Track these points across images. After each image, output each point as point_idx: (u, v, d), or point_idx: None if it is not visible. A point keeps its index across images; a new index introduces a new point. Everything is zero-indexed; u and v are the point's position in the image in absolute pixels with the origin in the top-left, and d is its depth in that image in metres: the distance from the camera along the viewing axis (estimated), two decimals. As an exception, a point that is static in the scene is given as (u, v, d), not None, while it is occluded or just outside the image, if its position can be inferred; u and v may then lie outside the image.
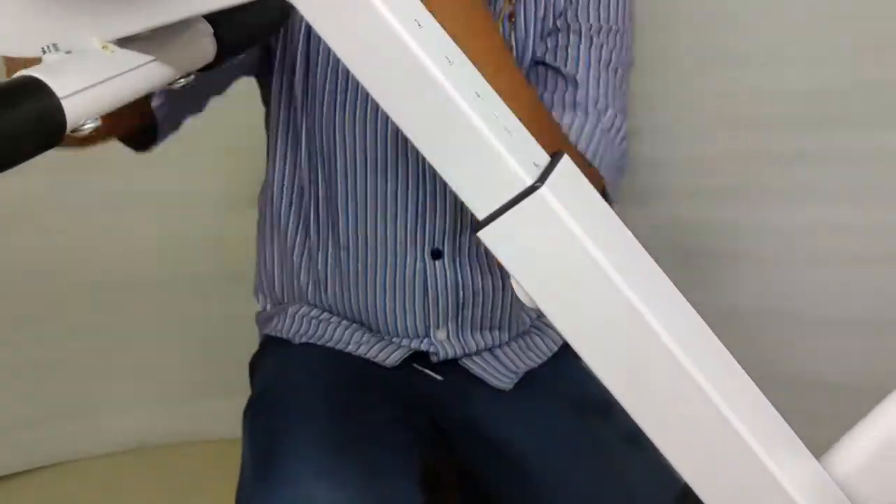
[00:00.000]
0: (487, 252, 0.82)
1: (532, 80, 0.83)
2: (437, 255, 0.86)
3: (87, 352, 1.49)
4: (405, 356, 0.89)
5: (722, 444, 0.36)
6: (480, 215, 0.36)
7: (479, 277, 0.88)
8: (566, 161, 0.36)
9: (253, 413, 0.86)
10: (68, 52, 0.41)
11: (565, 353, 0.94)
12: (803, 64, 1.06)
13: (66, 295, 1.43)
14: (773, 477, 0.36)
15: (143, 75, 0.43)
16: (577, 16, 0.81)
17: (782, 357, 1.18)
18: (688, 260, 1.17)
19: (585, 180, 0.37)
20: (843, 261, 1.13)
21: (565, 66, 0.81)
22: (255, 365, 0.97)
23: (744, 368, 0.38)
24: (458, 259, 0.86)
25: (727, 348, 0.39)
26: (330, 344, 0.90)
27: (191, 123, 0.80)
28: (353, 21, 0.33)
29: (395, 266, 0.86)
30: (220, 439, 1.51)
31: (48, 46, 0.41)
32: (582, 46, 0.81)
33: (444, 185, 0.74)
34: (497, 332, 0.91)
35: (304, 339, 0.91)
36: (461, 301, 0.88)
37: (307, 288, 0.91)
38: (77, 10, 0.40)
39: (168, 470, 1.55)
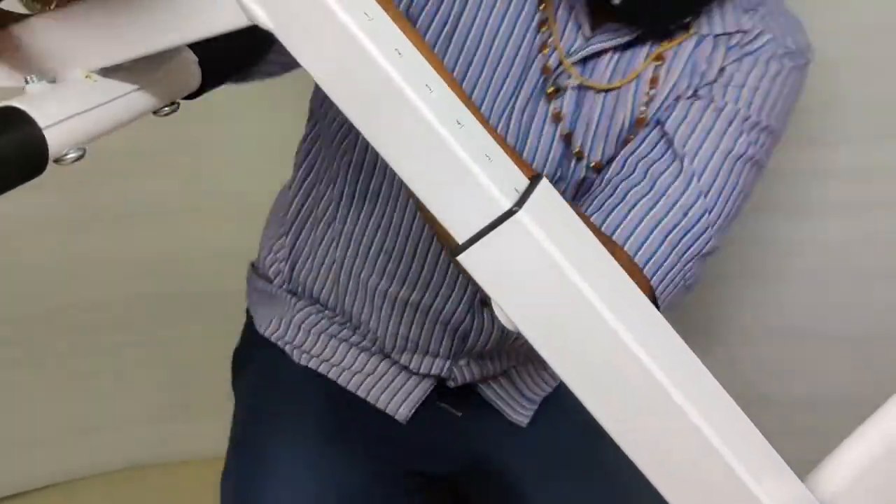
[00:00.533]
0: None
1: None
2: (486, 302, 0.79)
3: (76, 372, 1.47)
4: (417, 404, 0.82)
5: (706, 467, 0.36)
6: (460, 239, 0.36)
7: None
8: (545, 184, 0.36)
9: (236, 453, 0.82)
10: (52, 82, 0.41)
11: None
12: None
13: (55, 313, 1.41)
14: (756, 499, 0.36)
15: (126, 104, 0.42)
16: (724, 91, 0.68)
17: (764, 375, 1.17)
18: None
19: (565, 203, 0.37)
20: (821, 276, 1.12)
21: (683, 142, 0.67)
22: (242, 367, 0.91)
23: (726, 388, 0.38)
24: None
25: (709, 368, 0.38)
26: (333, 375, 0.83)
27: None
28: (333, 48, 0.33)
29: (439, 308, 0.78)
30: (212, 458, 1.53)
31: (31, 77, 0.40)
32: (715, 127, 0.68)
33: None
34: (514, 353, 0.85)
35: (306, 362, 0.83)
36: (499, 342, 0.81)
37: (325, 285, 0.83)
38: (61, 40, 0.40)
39: (160, 490, 1.53)
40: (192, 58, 0.45)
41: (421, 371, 0.80)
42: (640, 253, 0.64)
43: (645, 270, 0.65)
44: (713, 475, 0.36)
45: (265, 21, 0.34)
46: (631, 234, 0.64)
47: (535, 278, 0.35)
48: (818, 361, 1.15)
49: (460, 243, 0.36)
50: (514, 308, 0.36)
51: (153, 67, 0.43)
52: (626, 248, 0.64)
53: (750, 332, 1.18)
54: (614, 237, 0.64)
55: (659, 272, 0.65)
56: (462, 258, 0.36)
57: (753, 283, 1.15)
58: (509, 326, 0.37)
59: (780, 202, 1.10)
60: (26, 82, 0.40)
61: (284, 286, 0.86)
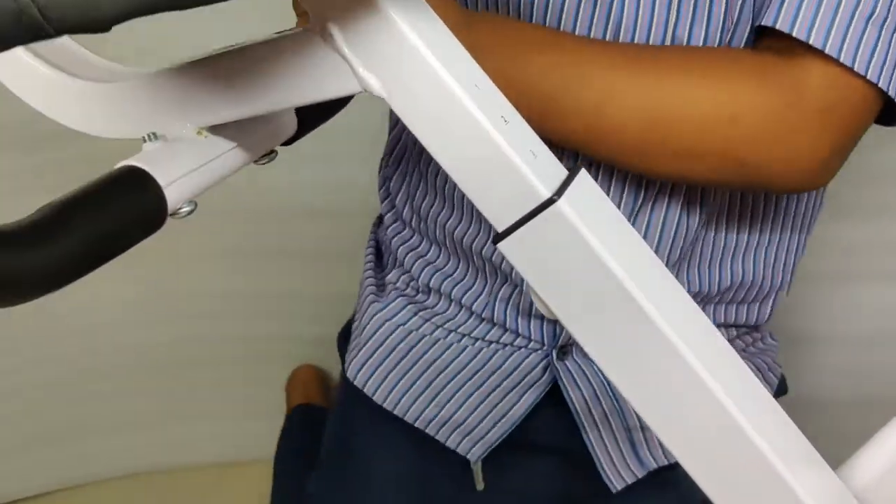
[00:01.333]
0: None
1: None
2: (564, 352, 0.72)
3: (86, 375, 1.51)
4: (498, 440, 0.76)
5: (741, 456, 0.37)
6: (499, 227, 0.37)
7: None
8: (583, 175, 0.38)
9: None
10: (163, 136, 0.42)
11: None
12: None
13: (66, 318, 1.43)
14: (791, 489, 0.37)
15: (233, 157, 0.44)
16: None
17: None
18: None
19: (603, 194, 0.39)
20: (854, 278, 1.11)
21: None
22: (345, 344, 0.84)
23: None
24: None
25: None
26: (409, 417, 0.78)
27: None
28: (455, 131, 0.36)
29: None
30: (221, 464, 1.55)
31: (150, 135, 0.42)
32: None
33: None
34: None
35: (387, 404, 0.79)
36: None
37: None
38: (178, 97, 0.42)
39: (168, 495, 1.55)
40: (290, 108, 0.47)
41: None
42: (846, 53, 0.53)
43: (868, 74, 0.54)
44: (748, 464, 0.37)
45: (378, 90, 0.36)
46: (829, 31, 0.53)
47: (573, 266, 0.37)
48: (825, 362, 1.14)
49: (499, 231, 0.37)
50: (552, 296, 0.38)
51: (259, 121, 0.45)
52: (826, 50, 0.53)
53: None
54: (807, 39, 0.53)
55: (885, 69, 0.53)
56: (502, 245, 0.37)
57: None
58: (547, 314, 0.38)
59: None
60: (144, 140, 0.42)
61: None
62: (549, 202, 0.36)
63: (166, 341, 1.51)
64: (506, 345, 0.75)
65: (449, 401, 0.77)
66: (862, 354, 1.15)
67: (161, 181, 0.38)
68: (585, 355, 0.71)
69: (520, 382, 0.75)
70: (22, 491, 1.54)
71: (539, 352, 0.75)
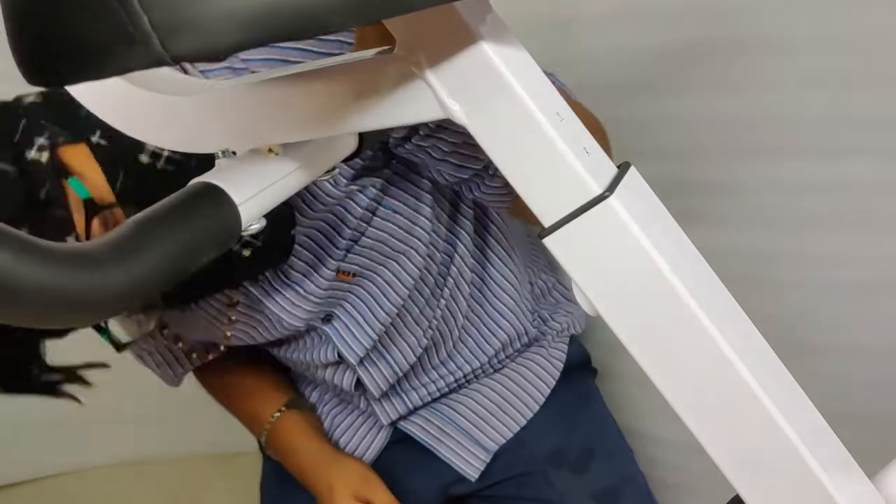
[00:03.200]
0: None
1: None
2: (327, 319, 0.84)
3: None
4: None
5: (778, 457, 0.37)
6: (547, 222, 0.37)
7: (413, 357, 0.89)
8: (633, 172, 0.38)
9: None
10: (234, 153, 0.42)
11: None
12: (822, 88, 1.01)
13: None
14: (827, 493, 0.37)
15: (301, 174, 0.44)
16: None
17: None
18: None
19: (650, 190, 0.39)
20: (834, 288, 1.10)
21: None
22: None
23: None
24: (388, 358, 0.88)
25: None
26: None
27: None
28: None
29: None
30: (219, 454, 1.57)
31: (224, 151, 0.41)
32: None
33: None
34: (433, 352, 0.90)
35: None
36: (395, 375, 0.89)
37: None
38: (255, 115, 0.41)
39: (167, 483, 1.57)
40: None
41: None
42: None
43: None
44: (786, 466, 0.37)
45: (460, 117, 0.36)
46: None
47: (620, 263, 0.36)
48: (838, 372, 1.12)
49: (546, 225, 0.37)
50: (595, 292, 0.38)
51: (326, 139, 0.45)
52: None
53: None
54: None
55: None
56: (548, 240, 0.37)
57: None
58: (590, 311, 0.38)
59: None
60: (218, 156, 0.41)
61: None
62: (601, 198, 0.36)
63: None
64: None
65: None
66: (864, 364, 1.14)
67: (236, 199, 0.38)
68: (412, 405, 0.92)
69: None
70: (16, 476, 1.59)
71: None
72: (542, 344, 0.98)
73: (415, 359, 0.88)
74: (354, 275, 0.80)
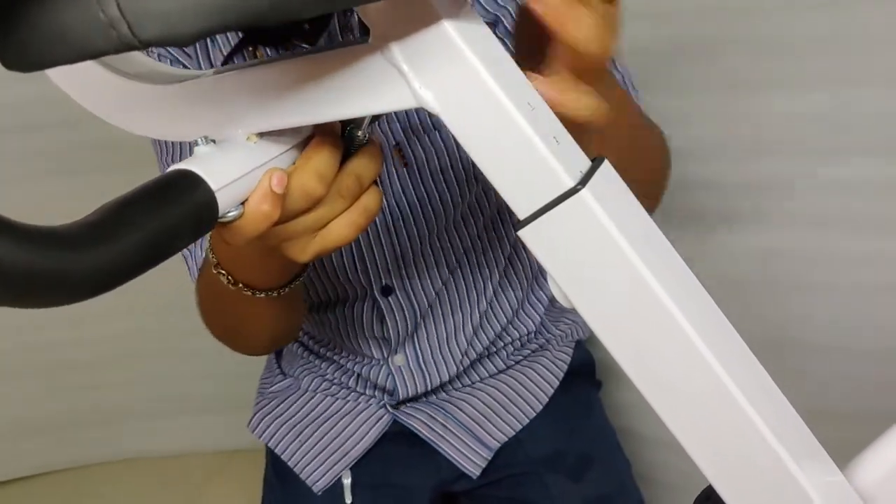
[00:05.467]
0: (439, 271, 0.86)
1: None
2: (387, 291, 0.86)
3: (98, 360, 1.54)
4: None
5: (749, 447, 0.37)
6: (521, 215, 0.38)
7: (435, 301, 0.89)
8: (606, 166, 0.38)
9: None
10: (214, 141, 0.42)
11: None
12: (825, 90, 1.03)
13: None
14: (797, 483, 0.37)
15: (279, 163, 0.43)
16: None
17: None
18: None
19: (625, 185, 0.39)
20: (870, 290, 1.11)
21: None
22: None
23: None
24: (409, 289, 0.87)
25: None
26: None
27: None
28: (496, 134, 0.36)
29: (347, 306, 0.89)
30: (221, 451, 1.58)
31: (201, 139, 0.41)
32: None
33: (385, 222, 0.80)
34: (463, 340, 0.91)
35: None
36: (417, 321, 0.89)
37: None
38: (233, 102, 0.42)
39: (168, 480, 1.58)
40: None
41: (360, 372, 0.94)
42: None
43: None
44: (755, 455, 0.37)
45: (433, 105, 0.37)
46: None
47: (593, 256, 0.37)
48: (836, 374, 1.14)
49: (521, 218, 0.38)
50: (571, 284, 0.38)
51: (305, 127, 0.45)
52: None
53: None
54: None
55: None
56: (522, 233, 0.38)
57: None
58: (564, 303, 0.39)
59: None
60: (196, 143, 0.41)
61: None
62: (573, 191, 0.36)
63: (161, 328, 1.53)
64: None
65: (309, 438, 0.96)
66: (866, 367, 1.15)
67: (213, 185, 0.38)
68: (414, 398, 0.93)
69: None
70: (12, 472, 1.59)
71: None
72: (546, 348, 0.99)
73: (434, 295, 0.88)
74: None
